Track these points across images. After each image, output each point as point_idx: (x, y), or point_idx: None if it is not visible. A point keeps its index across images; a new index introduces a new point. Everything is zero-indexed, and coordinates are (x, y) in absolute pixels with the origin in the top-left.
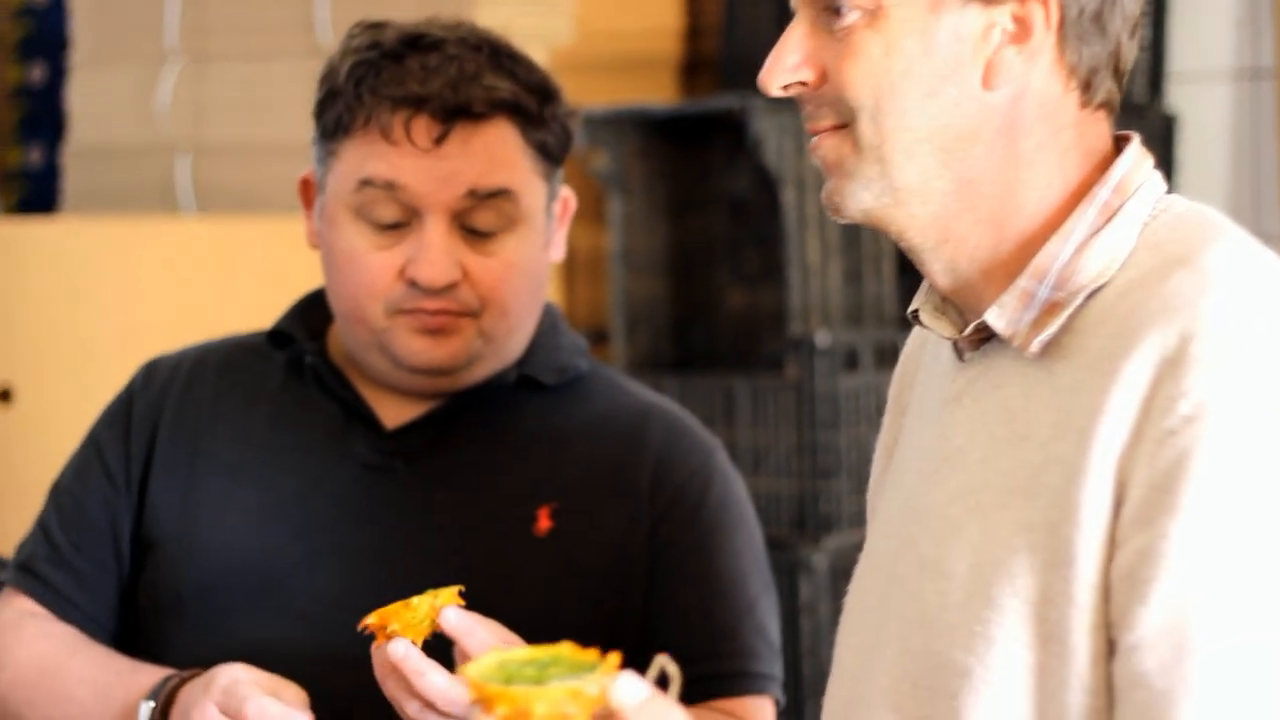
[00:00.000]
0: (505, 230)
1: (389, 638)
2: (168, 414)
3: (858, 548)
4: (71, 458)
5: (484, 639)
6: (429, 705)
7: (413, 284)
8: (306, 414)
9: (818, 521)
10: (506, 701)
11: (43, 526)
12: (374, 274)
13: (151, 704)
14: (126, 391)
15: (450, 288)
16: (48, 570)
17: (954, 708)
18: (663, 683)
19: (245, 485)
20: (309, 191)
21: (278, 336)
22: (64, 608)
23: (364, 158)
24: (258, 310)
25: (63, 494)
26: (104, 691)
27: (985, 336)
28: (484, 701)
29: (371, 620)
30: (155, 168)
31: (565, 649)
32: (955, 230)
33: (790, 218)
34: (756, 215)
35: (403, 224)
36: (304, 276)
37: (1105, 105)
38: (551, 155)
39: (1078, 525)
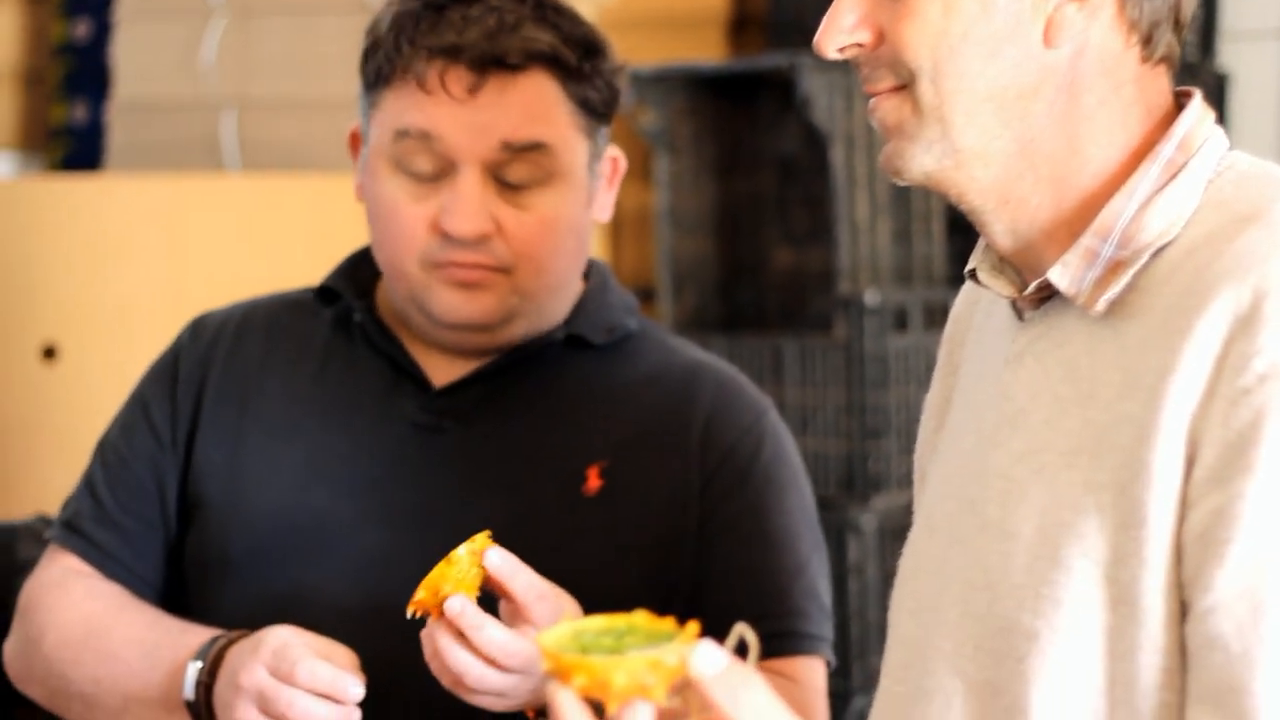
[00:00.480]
0: (541, 185)
1: (441, 608)
2: (215, 371)
3: (906, 509)
4: (117, 415)
5: (528, 580)
6: (490, 661)
7: (445, 236)
8: (354, 372)
9: (866, 482)
10: (584, 672)
11: (89, 484)
12: (409, 225)
13: (199, 664)
14: (173, 348)
15: (483, 241)
16: (93, 528)
17: (1021, 671)
18: (741, 651)
19: (293, 443)
20: (357, 144)
21: (326, 293)
22: (110, 566)
23: (402, 109)
24: (302, 267)
25: (109, 452)
26: (151, 651)
27: (1046, 295)
28: (560, 672)
29: (422, 596)
30: (200, 124)
31: (640, 617)
32: (1016, 191)
33: (839, 176)
34: (804, 174)
35: (439, 176)
36: (349, 234)
37: (1165, 60)
38: (595, 111)
39: (1148, 485)
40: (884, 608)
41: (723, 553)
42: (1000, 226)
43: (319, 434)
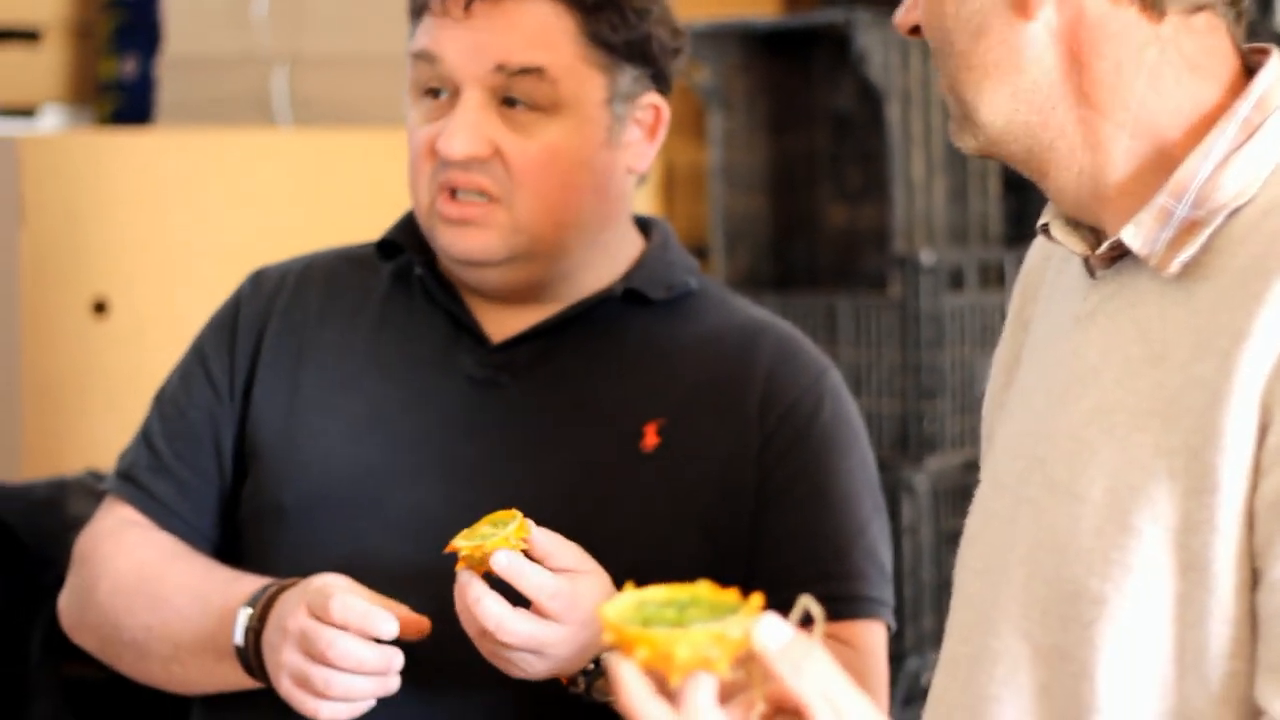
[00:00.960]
0: (545, 113)
1: (484, 563)
2: (274, 323)
3: (961, 469)
4: (176, 366)
5: (566, 560)
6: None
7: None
8: (413, 326)
9: (920, 442)
10: (647, 644)
11: (145, 435)
12: (418, 148)
13: (250, 610)
14: (233, 300)
15: (477, 163)
16: (150, 478)
17: (1088, 636)
18: (806, 623)
19: (349, 396)
20: None
21: (386, 246)
22: (165, 516)
23: (419, 33)
24: (352, 223)
25: (166, 403)
26: (203, 598)
27: (1119, 254)
28: (623, 644)
29: (461, 545)
30: (251, 79)
31: (703, 588)
32: (1055, 160)
33: (895, 133)
34: (859, 131)
35: (445, 98)
36: (399, 190)
37: (1203, 8)
38: (612, 48)
39: (1221, 450)
40: (938, 569)
41: (780, 514)
42: (1053, 192)
43: (376, 387)
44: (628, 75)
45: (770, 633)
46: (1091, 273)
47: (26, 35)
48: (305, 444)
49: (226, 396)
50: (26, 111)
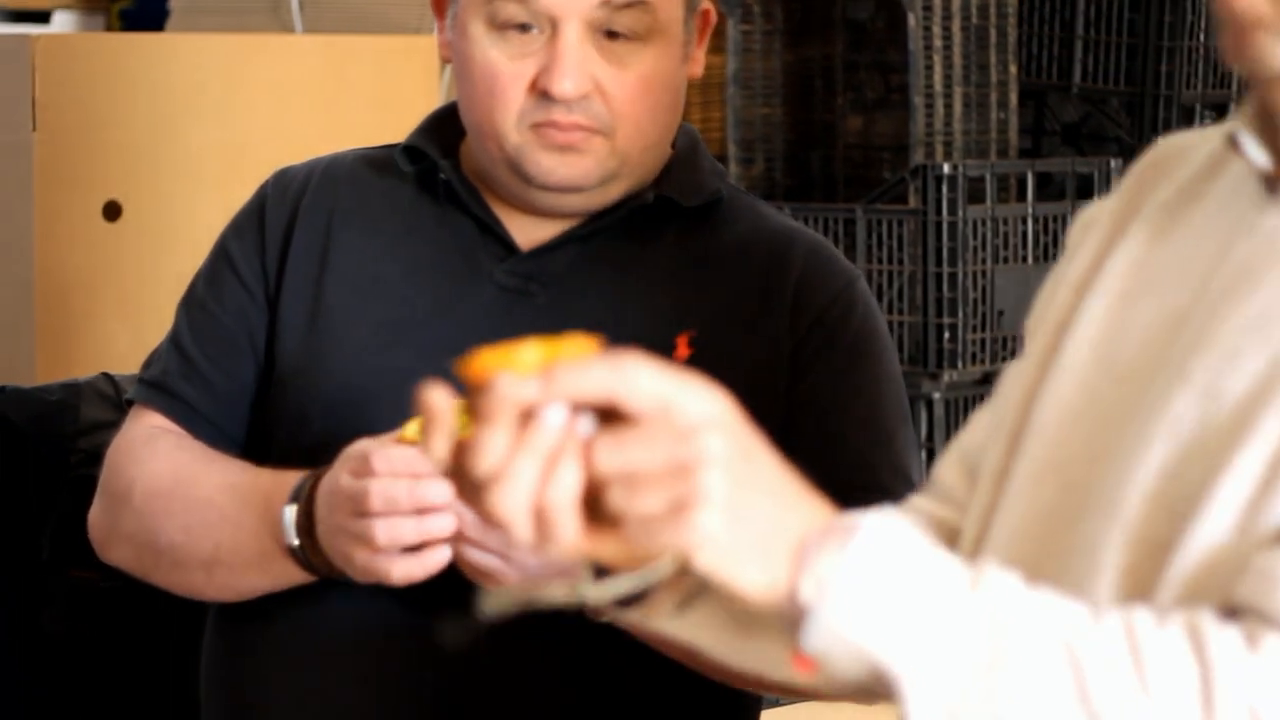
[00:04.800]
0: (642, 41)
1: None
2: (299, 224)
3: (977, 383)
4: (201, 269)
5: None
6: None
7: (544, 95)
8: (439, 232)
9: (938, 355)
10: (492, 363)
11: (175, 341)
12: (506, 85)
13: (294, 506)
14: (256, 201)
15: (583, 100)
16: (180, 385)
17: (1187, 529)
18: None
19: (375, 303)
20: (441, 2)
21: (411, 151)
22: (196, 422)
23: None
24: (365, 128)
25: (195, 307)
26: (242, 495)
27: None
28: (478, 382)
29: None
30: None
31: (530, 341)
32: None
33: (914, 43)
34: (877, 40)
35: (536, 33)
36: (411, 96)
37: None
38: None
39: None
40: None
41: (808, 419)
42: None
43: (402, 294)
44: None
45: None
46: (1270, 188)
47: None
48: (329, 350)
49: (262, 297)
50: (39, 14)
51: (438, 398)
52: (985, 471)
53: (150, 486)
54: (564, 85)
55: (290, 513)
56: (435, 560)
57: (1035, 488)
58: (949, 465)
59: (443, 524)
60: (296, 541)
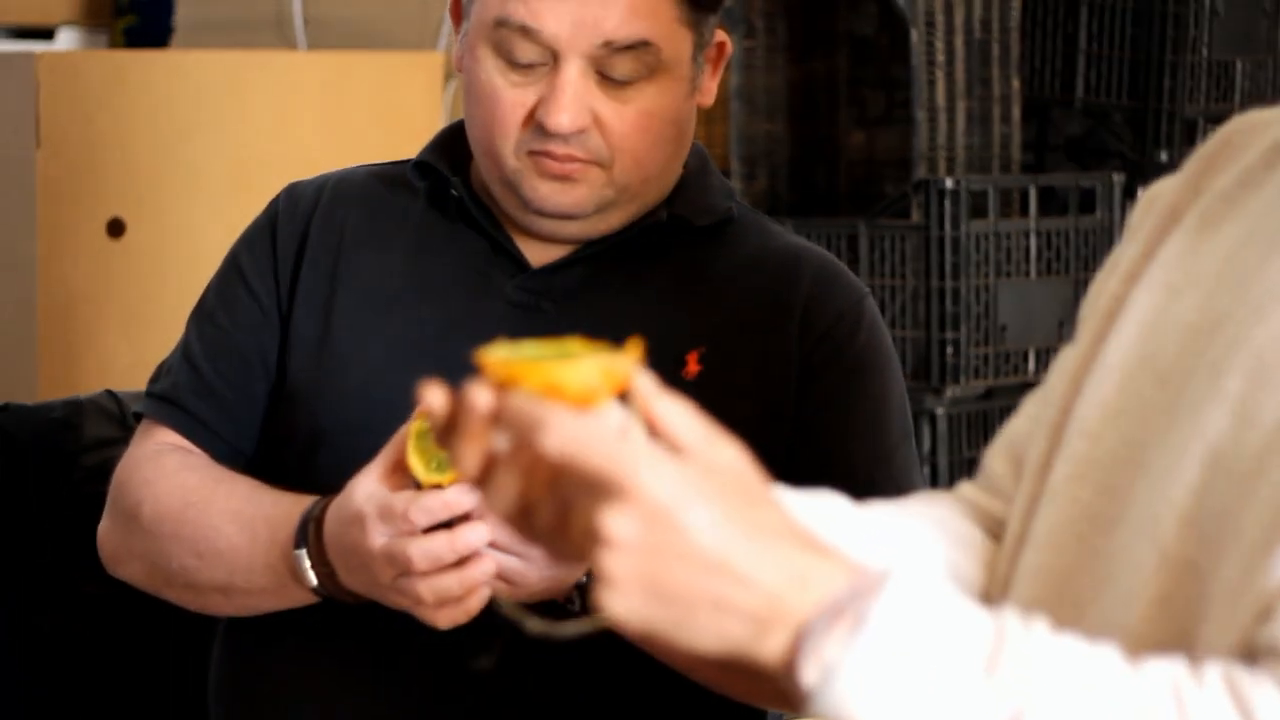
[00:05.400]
0: (643, 79)
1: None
2: (311, 239)
3: (980, 398)
4: (212, 284)
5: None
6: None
7: (541, 127)
8: (451, 249)
9: (940, 370)
10: (536, 375)
11: (186, 355)
12: (506, 111)
13: (304, 550)
14: (268, 216)
15: (579, 134)
16: (191, 400)
17: (1224, 559)
18: None
19: (388, 320)
20: (458, 14)
21: (422, 167)
22: (207, 439)
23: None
24: (368, 146)
25: (206, 321)
26: (250, 527)
27: None
28: (510, 380)
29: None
30: (268, 0)
31: (575, 342)
32: None
33: (917, 58)
34: (881, 55)
35: (539, 64)
36: (414, 114)
37: None
38: (700, 2)
39: None
40: None
41: (812, 434)
42: None
43: (415, 311)
44: (710, 24)
45: (649, 375)
46: None
47: None
48: (341, 367)
49: (274, 313)
50: (43, 31)
51: (440, 398)
52: (1029, 464)
53: (159, 508)
54: (560, 120)
55: (304, 557)
56: (478, 604)
57: (1074, 487)
58: (997, 454)
59: (485, 569)
60: (316, 582)
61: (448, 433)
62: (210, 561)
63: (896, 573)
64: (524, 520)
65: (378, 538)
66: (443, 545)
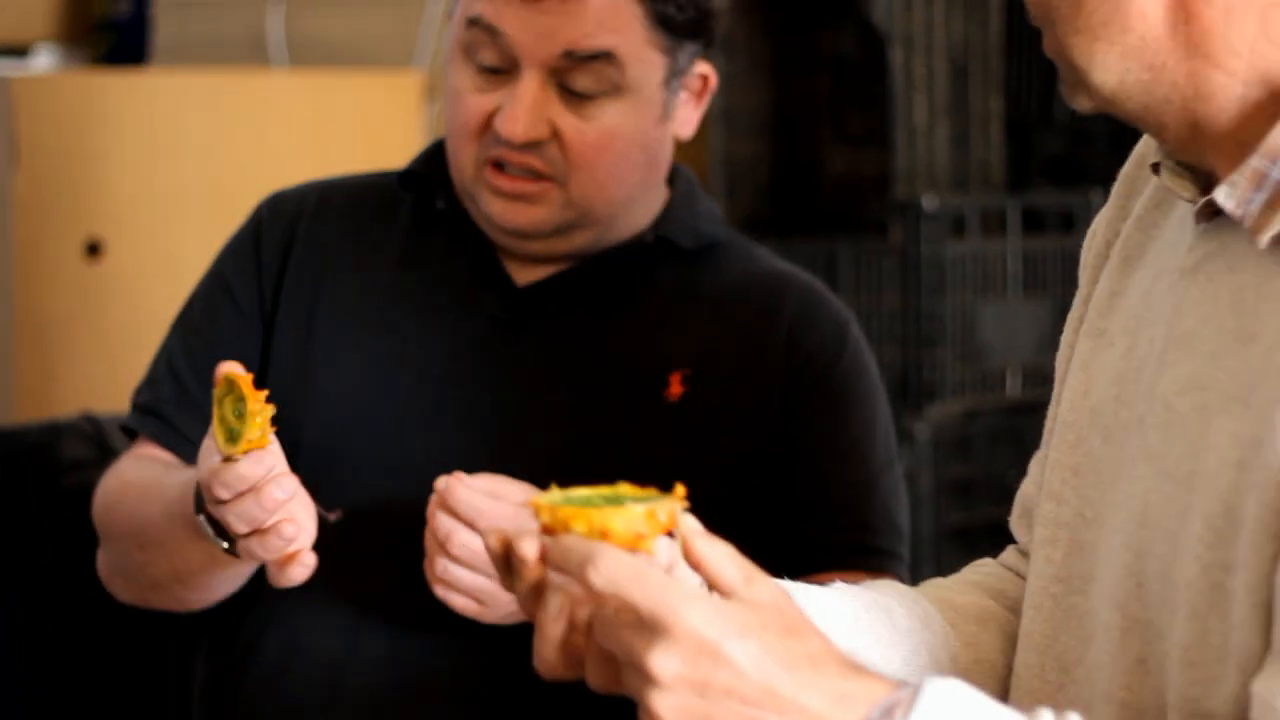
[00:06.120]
0: (607, 96)
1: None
2: (296, 248)
3: (961, 418)
4: (195, 294)
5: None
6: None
7: (497, 134)
8: (435, 262)
9: (920, 390)
10: (583, 520)
11: (170, 367)
12: (468, 115)
13: (202, 516)
14: (252, 225)
15: (534, 146)
16: (174, 413)
17: (1176, 623)
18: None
19: (370, 333)
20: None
21: (409, 179)
22: (189, 451)
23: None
24: (348, 165)
25: (190, 333)
26: (169, 509)
27: (1219, 210)
28: (558, 524)
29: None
30: (247, 19)
31: (625, 487)
32: (1172, 112)
33: (898, 78)
34: (861, 75)
35: (503, 71)
36: (395, 132)
37: None
38: (675, 28)
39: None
40: (937, 519)
41: (796, 459)
42: (1172, 144)
43: (397, 325)
44: (686, 52)
45: (693, 518)
46: (1197, 221)
47: None
48: (324, 380)
49: (256, 322)
50: (20, 50)
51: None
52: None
53: (113, 513)
54: (514, 128)
55: (205, 523)
56: (292, 531)
57: (1047, 549)
58: (1017, 521)
59: (285, 488)
60: (224, 544)
61: (502, 570)
62: (152, 553)
63: (932, 684)
64: (571, 655)
65: (214, 505)
66: (253, 508)
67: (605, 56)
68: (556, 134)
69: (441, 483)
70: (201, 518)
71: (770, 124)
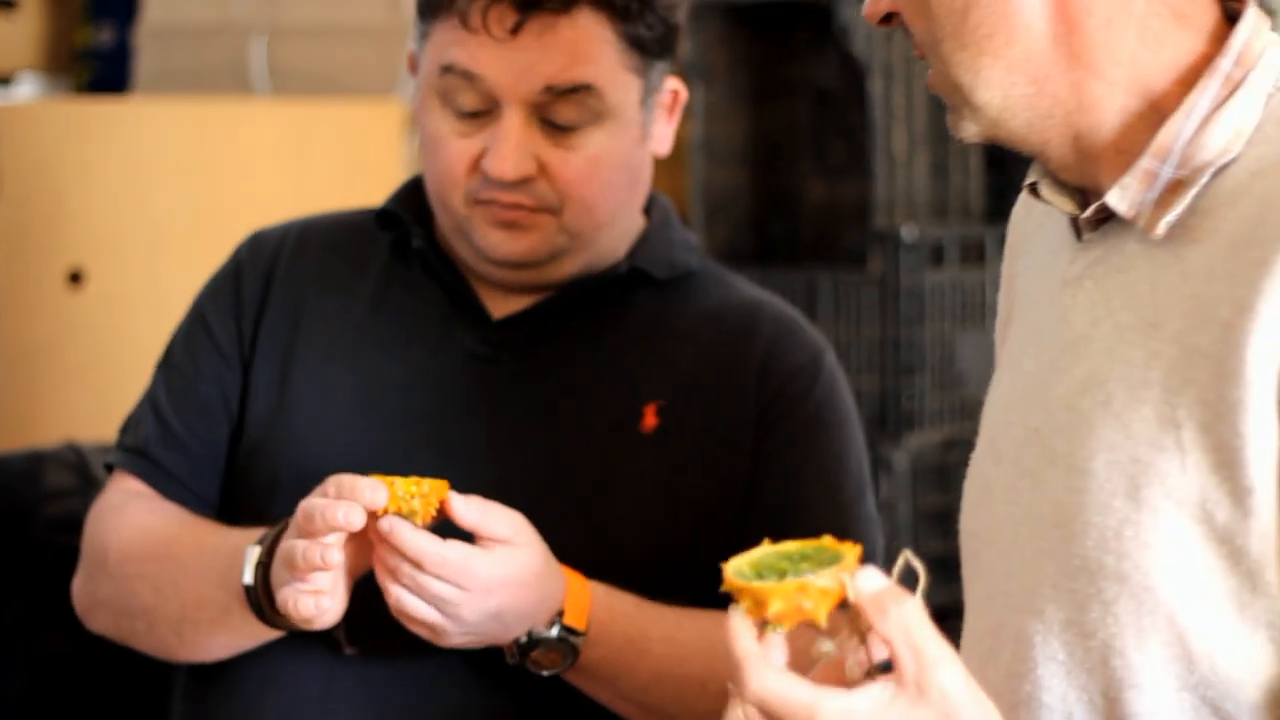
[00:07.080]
0: (589, 125)
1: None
2: (275, 287)
3: (940, 446)
4: (177, 333)
5: (500, 530)
6: (416, 564)
7: (487, 176)
8: (411, 299)
9: (899, 419)
10: (748, 596)
11: (153, 406)
12: (453, 161)
13: (258, 547)
14: (232, 264)
15: (525, 182)
16: (159, 451)
17: (1113, 614)
18: (910, 581)
19: (346, 370)
20: (414, 65)
21: (385, 217)
22: (175, 489)
23: (446, 43)
24: (330, 193)
25: (172, 372)
26: (209, 552)
27: (1106, 216)
28: (734, 595)
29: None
30: (229, 49)
31: (828, 541)
32: (1055, 126)
33: (877, 108)
34: (840, 105)
35: (483, 112)
36: (377, 161)
37: None
38: (646, 49)
39: (1239, 431)
40: (917, 547)
41: (768, 488)
42: (1053, 159)
43: (373, 362)
44: (657, 71)
45: (864, 580)
46: (1079, 234)
47: (2, 3)
48: (300, 417)
49: (237, 361)
50: (2, 80)
51: None
52: None
53: (124, 551)
54: (503, 169)
55: (253, 553)
56: (330, 611)
57: (973, 587)
58: None
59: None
60: (251, 580)
61: None
62: (166, 595)
63: None
64: None
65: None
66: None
67: (585, 88)
68: (543, 168)
69: (386, 524)
70: (253, 549)
71: (750, 154)
